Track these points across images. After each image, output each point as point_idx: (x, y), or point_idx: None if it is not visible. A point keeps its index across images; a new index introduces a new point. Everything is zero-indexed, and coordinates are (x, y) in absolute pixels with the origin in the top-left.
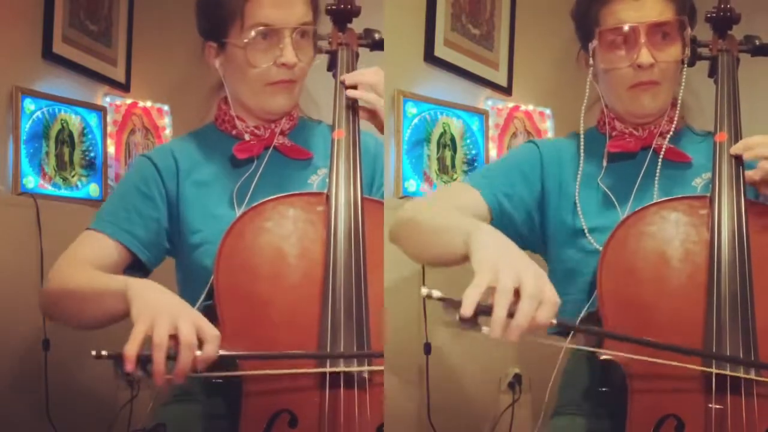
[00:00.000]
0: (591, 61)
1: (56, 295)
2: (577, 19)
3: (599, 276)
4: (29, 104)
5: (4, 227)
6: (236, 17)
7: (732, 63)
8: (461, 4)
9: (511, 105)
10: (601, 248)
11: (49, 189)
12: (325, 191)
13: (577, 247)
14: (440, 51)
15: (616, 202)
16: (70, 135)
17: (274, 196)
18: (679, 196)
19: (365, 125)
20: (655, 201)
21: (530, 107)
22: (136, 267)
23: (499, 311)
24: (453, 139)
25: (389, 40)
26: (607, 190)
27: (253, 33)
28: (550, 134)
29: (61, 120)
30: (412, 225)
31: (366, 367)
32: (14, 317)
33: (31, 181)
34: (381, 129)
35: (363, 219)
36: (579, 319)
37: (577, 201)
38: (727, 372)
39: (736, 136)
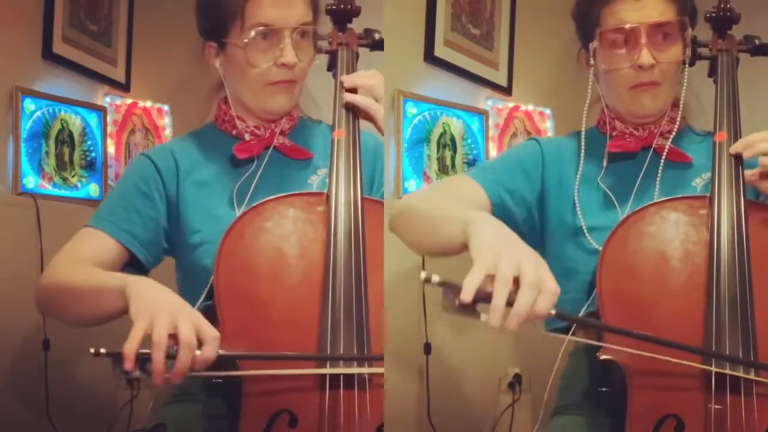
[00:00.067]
0: (592, 62)
1: (52, 291)
2: (578, 19)
3: (599, 276)
4: (29, 104)
5: (4, 227)
6: (236, 17)
7: (732, 63)
8: (461, 4)
9: (511, 105)
10: (600, 248)
11: (49, 189)
12: (325, 191)
13: (577, 246)
14: (440, 51)
15: (615, 202)
16: (70, 135)
17: (274, 196)
18: (679, 196)
19: (365, 124)
20: (655, 201)
21: (530, 107)
22: (134, 266)
23: (498, 299)
24: (453, 139)
25: (389, 40)
26: (607, 190)
27: (253, 33)
28: (550, 134)
29: (61, 120)
30: (411, 214)
31: (366, 369)
32: (14, 317)
33: (31, 181)
34: (381, 131)
35: (363, 219)
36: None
37: (576, 201)
38: (727, 371)
39: (736, 135)
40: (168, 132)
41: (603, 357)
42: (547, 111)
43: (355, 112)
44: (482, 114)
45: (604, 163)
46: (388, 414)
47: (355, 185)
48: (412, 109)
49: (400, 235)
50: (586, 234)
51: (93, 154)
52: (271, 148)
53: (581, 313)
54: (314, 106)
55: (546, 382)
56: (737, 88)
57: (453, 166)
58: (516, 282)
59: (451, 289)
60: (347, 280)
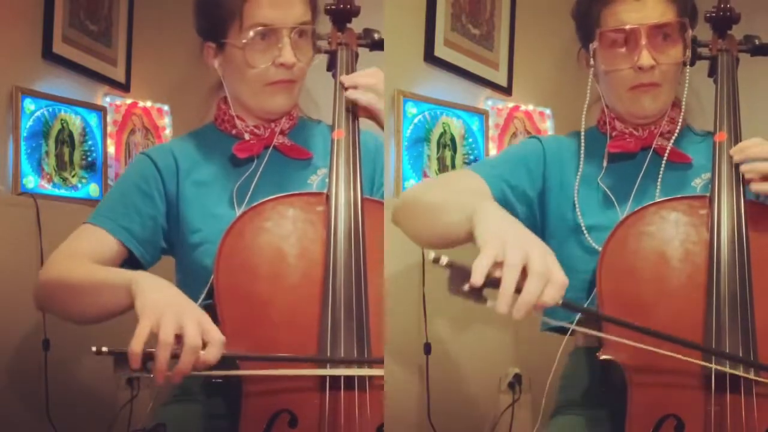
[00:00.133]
0: (591, 62)
1: (52, 286)
2: (578, 19)
3: (598, 276)
4: (29, 104)
5: (4, 227)
6: (235, 17)
7: (731, 63)
8: (461, 4)
9: (511, 105)
10: (600, 248)
11: (49, 189)
12: (325, 191)
13: (577, 246)
14: (440, 51)
15: (615, 202)
16: (70, 135)
17: (274, 196)
18: (679, 196)
19: (365, 123)
20: (654, 201)
21: (530, 107)
22: (131, 264)
23: (507, 285)
24: (453, 139)
25: (389, 40)
26: (606, 190)
27: (251, 33)
28: (550, 134)
29: (61, 120)
30: (414, 204)
31: (366, 371)
32: (14, 317)
33: (31, 181)
34: (382, 127)
35: (363, 219)
36: (577, 318)
37: (576, 201)
38: (727, 369)
39: (736, 135)
40: (168, 132)
41: (603, 357)
42: (547, 111)
43: (355, 112)
44: (482, 114)
45: (604, 164)
46: (388, 414)
47: (355, 185)
48: (412, 109)
49: (403, 226)
50: (586, 234)
51: (93, 155)
52: (270, 148)
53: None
54: (314, 106)
55: (546, 382)
56: (737, 88)
57: (453, 166)
58: (523, 271)
59: (459, 272)
60: (347, 280)
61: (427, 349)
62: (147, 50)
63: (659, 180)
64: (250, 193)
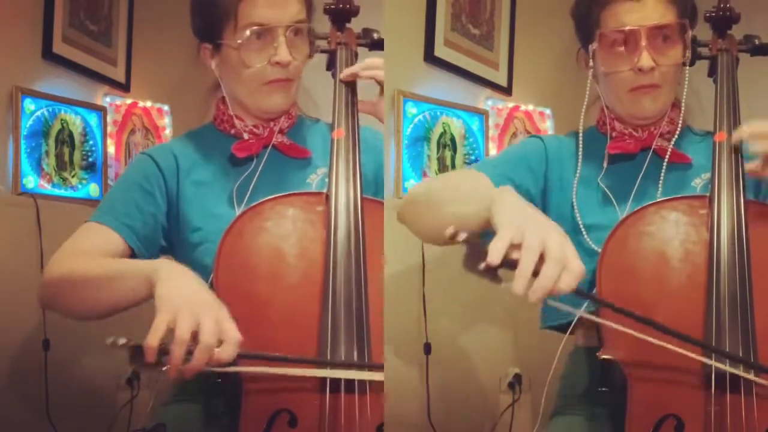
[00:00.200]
0: (591, 63)
1: (59, 284)
2: (577, 20)
3: (598, 275)
4: (29, 104)
5: (4, 227)
6: (230, 17)
7: (731, 62)
8: (461, 4)
9: (511, 105)
10: (599, 248)
11: (49, 189)
12: (325, 191)
13: (577, 245)
14: (440, 51)
15: (615, 203)
16: (70, 135)
17: (273, 196)
18: (679, 195)
19: (366, 120)
20: (654, 201)
21: (530, 107)
22: None
23: (525, 266)
24: (453, 139)
25: (389, 40)
26: (606, 190)
27: (247, 33)
28: (550, 134)
29: (61, 120)
30: (424, 200)
31: (366, 374)
32: (14, 317)
33: (31, 181)
34: (382, 119)
35: (363, 219)
36: (577, 318)
37: (574, 201)
38: (727, 367)
39: None
40: (168, 132)
41: (603, 356)
42: (547, 111)
43: (355, 111)
44: (482, 114)
45: (604, 165)
46: (388, 414)
47: (355, 185)
48: (412, 109)
49: (410, 223)
50: (585, 234)
51: (93, 156)
52: (270, 147)
53: (581, 312)
54: (313, 106)
55: (546, 382)
56: (737, 88)
57: (453, 166)
58: (540, 257)
59: (476, 249)
60: (347, 280)
61: (427, 349)
62: (147, 50)
63: (660, 182)
64: (249, 192)
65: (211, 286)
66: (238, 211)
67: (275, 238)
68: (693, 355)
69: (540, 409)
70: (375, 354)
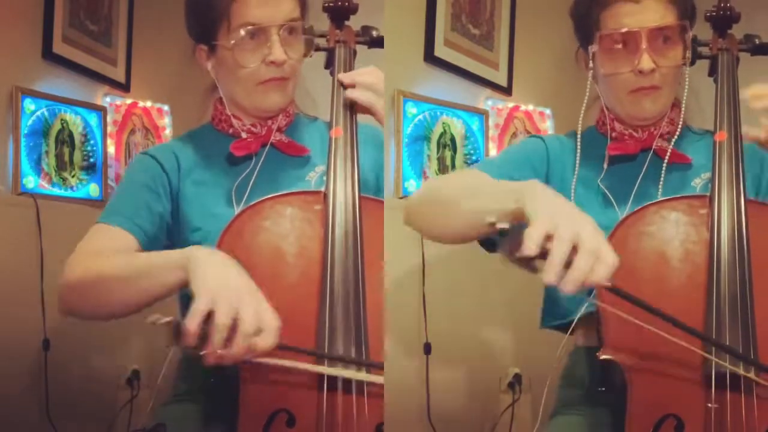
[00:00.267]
0: (591, 64)
1: (84, 286)
2: (576, 20)
3: None
4: (29, 104)
5: (4, 227)
6: (223, 18)
7: (732, 62)
8: (461, 4)
9: (511, 105)
10: None
11: (49, 189)
12: (323, 189)
13: None
14: (440, 51)
15: (614, 203)
16: (70, 135)
17: (272, 195)
18: (679, 195)
19: (364, 116)
20: (654, 201)
21: (530, 107)
22: None
23: (556, 257)
24: (453, 139)
25: (389, 40)
26: (606, 191)
27: (241, 33)
28: (550, 133)
29: (61, 120)
30: (436, 200)
31: (364, 375)
32: (14, 317)
33: (31, 181)
34: (382, 124)
35: (361, 217)
36: (577, 317)
37: (573, 202)
38: (727, 364)
39: (736, 135)
40: (168, 132)
41: (603, 356)
42: (547, 111)
43: (353, 109)
44: (482, 114)
45: (605, 166)
46: (388, 414)
47: (353, 184)
48: (412, 109)
49: (419, 224)
50: None
51: (93, 157)
52: (268, 146)
53: (581, 313)
54: (312, 104)
55: (546, 382)
56: (738, 88)
57: (453, 166)
58: (574, 247)
59: (513, 240)
60: (345, 279)
61: (427, 349)
62: (147, 50)
63: (661, 183)
64: (248, 191)
65: None
66: (237, 210)
67: (274, 237)
68: (695, 349)
69: (540, 409)
70: (373, 352)
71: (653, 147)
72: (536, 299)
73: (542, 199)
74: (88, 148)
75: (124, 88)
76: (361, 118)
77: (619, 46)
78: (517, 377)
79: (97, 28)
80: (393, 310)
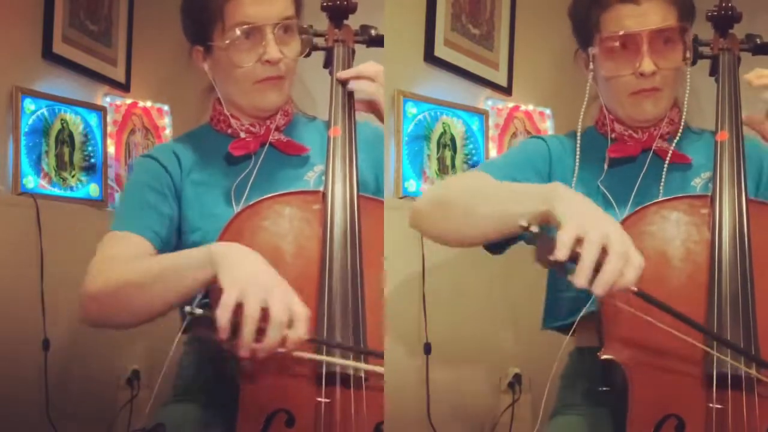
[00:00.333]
0: (591, 66)
1: (109, 294)
2: (576, 21)
3: None
4: (29, 104)
5: (4, 227)
6: (218, 18)
7: (733, 62)
8: (461, 4)
9: (511, 105)
10: None
11: (49, 189)
12: (321, 189)
13: None
14: (440, 51)
15: (615, 204)
16: (70, 135)
17: (271, 195)
18: (680, 195)
19: (364, 114)
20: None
21: (530, 107)
22: None
23: (587, 260)
24: (453, 139)
25: (389, 40)
26: (606, 192)
27: (237, 32)
28: (550, 134)
29: (61, 120)
30: (454, 201)
31: (363, 365)
32: (14, 317)
33: (31, 181)
34: (382, 119)
35: (359, 217)
36: (578, 317)
37: None
38: (728, 358)
39: (738, 135)
40: (168, 132)
41: (603, 356)
42: (547, 111)
43: (352, 109)
44: (482, 114)
45: (605, 167)
46: (388, 413)
47: (352, 183)
48: (412, 109)
49: (429, 227)
50: None
51: (94, 157)
52: (267, 145)
53: (582, 313)
54: (311, 103)
55: (546, 382)
56: (739, 88)
57: (453, 166)
58: (603, 250)
59: (546, 242)
60: (343, 278)
61: (427, 349)
62: (147, 50)
63: (661, 184)
64: (247, 191)
65: None
66: (236, 210)
67: (272, 237)
68: (697, 344)
69: (540, 409)
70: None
71: (653, 147)
72: (536, 299)
73: (570, 201)
74: (88, 148)
75: (124, 88)
76: (360, 118)
77: (620, 48)
78: (517, 377)
79: (97, 28)
80: (393, 310)
